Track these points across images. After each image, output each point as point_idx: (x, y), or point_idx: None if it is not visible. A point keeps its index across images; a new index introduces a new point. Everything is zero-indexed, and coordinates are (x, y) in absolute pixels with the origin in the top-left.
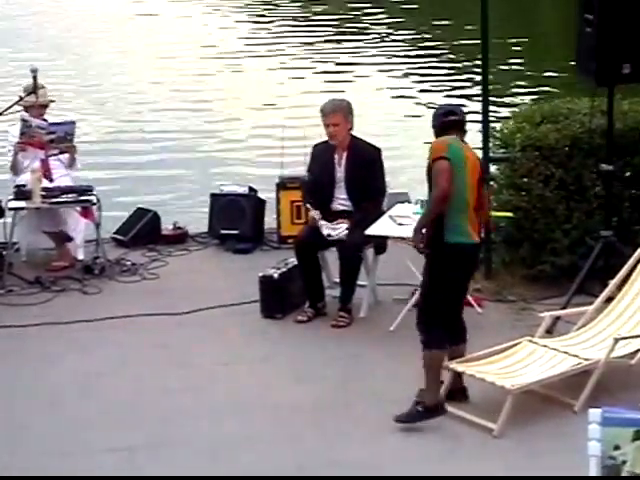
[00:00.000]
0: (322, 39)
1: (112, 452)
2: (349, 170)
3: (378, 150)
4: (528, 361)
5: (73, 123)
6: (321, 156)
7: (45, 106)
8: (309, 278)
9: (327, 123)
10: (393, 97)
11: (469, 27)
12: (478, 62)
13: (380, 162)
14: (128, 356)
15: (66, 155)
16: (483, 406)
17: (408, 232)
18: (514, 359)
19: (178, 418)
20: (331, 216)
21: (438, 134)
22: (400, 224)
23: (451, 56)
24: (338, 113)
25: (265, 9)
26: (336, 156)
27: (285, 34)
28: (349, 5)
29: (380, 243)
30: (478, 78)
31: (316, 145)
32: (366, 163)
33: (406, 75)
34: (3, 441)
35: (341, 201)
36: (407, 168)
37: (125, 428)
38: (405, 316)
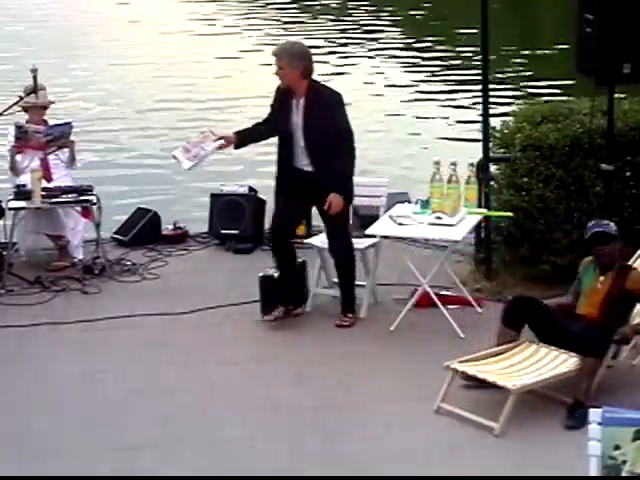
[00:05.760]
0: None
1: (113, 452)
2: (306, 115)
3: (338, 94)
4: (530, 361)
5: (69, 124)
6: (282, 99)
7: (45, 107)
8: (283, 272)
9: (276, 65)
10: (387, 86)
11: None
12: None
13: (341, 106)
14: (128, 356)
15: (65, 151)
16: (484, 405)
17: (408, 232)
18: (515, 359)
19: (178, 418)
20: (293, 175)
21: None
22: (400, 224)
23: (451, 55)
24: (282, 56)
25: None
26: (294, 101)
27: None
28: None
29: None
30: (478, 78)
31: (278, 87)
32: (324, 107)
33: (402, 69)
34: (3, 441)
35: (304, 161)
36: (407, 168)
37: (125, 428)
38: (405, 316)
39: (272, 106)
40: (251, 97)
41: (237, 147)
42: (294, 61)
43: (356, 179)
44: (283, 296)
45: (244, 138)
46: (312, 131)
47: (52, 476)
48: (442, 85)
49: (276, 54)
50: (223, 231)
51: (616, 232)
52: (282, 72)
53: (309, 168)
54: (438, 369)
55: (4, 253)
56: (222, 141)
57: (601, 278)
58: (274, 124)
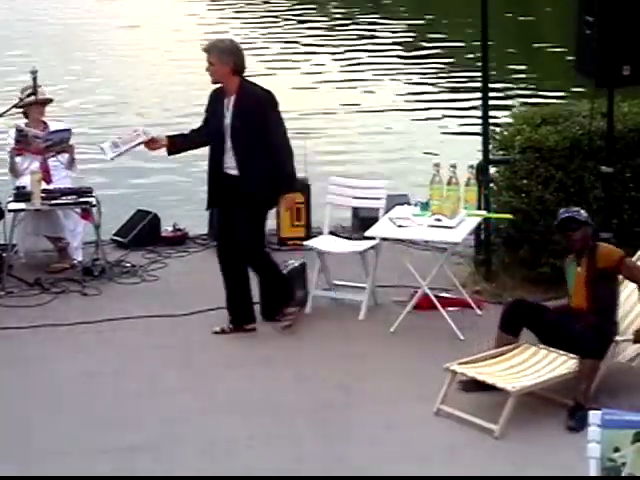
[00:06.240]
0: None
1: (113, 452)
2: (235, 113)
3: (269, 93)
4: (529, 363)
5: (69, 130)
6: (214, 102)
7: (44, 104)
8: (230, 287)
9: (207, 61)
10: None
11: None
12: (478, 63)
13: (272, 105)
14: (128, 357)
15: (65, 155)
16: (483, 407)
17: (407, 234)
18: (515, 361)
19: (178, 418)
20: (222, 183)
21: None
22: (400, 226)
23: (451, 59)
24: (212, 52)
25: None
26: (225, 101)
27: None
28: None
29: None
30: (478, 80)
31: (214, 90)
32: (254, 106)
33: (401, 75)
34: (4, 442)
35: (232, 164)
36: (407, 171)
37: (125, 428)
38: (405, 318)
39: (206, 111)
40: None
41: (170, 153)
42: (224, 57)
43: (355, 182)
44: (233, 312)
45: (178, 143)
46: (239, 130)
47: (52, 476)
48: (441, 87)
49: (206, 50)
50: None
51: (586, 219)
52: (212, 68)
53: (235, 172)
54: (438, 371)
55: (4, 255)
56: (146, 137)
57: (578, 268)
58: (207, 127)
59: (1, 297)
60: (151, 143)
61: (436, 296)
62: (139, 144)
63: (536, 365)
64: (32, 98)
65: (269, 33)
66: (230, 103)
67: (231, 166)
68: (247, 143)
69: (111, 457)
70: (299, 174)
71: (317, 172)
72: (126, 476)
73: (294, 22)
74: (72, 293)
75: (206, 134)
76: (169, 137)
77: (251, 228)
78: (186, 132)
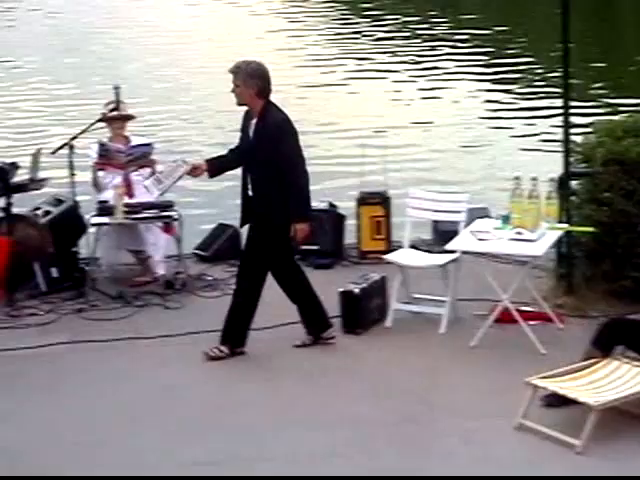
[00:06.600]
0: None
1: (192, 466)
2: (253, 138)
3: (285, 121)
4: (611, 378)
5: (150, 145)
6: (245, 121)
7: (126, 119)
8: (295, 301)
9: (233, 83)
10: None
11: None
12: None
13: (287, 135)
14: (208, 371)
15: (147, 169)
16: (565, 422)
17: (488, 247)
18: (597, 376)
19: (258, 432)
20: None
21: None
22: (480, 239)
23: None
24: (237, 74)
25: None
26: (252, 122)
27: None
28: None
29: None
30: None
31: (246, 109)
32: (270, 135)
33: (478, 84)
34: (83, 455)
35: (249, 183)
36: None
37: (205, 442)
38: (486, 332)
39: (241, 131)
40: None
41: (212, 176)
42: (249, 80)
43: (436, 195)
44: (306, 324)
45: (217, 166)
46: (255, 152)
47: (54, 476)
48: (522, 98)
49: (232, 72)
50: (303, 246)
51: None
52: (238, 90)
53: (251, 192)
54: (519, 385)
55: (87, 268)
56: (187, 166)
57: None
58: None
59: (85, 310)
60: (193, 170)
61: (517, 310)
62: (182, 175)
63: (619, 380)
64: (114, 113)
65: (345, 49)
66: (253, 124)
67: (249, 186)
68: (262, 165)
69: (192, 471)
70: (379, 187)
71: (398, 185)
72: (126, 476)
73: (371, 38)
74: (154, 306)
75: (239, 153)
76: (208, 161)
77: (256, 249)
78: (224, 152)
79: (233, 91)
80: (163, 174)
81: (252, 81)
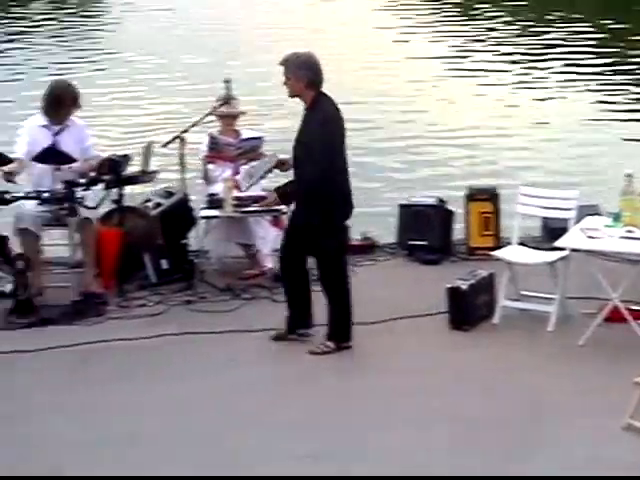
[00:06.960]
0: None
1: (293, 459)
2: (302, 129)
3: (330, 111)
4: None
5: (261, 139)
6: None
7: (235, 117)
8: (292, 293)
9: (284, 75)
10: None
11: None
12: None
13: (326, 124)
14: (314, 364)
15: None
16: None
17: (598, 245)
18: None
19: (361, 429)
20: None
21: None
22: (590, 237)
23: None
24: (287, 66)
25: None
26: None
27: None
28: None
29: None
30: None
31: None
32: (318, 123)
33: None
34: (195, 447)
35: None
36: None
37: (310, 436)
38: (594, 330)
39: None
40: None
41: None
42: (299, 71)
43: (546, 191)
44: (292, 321)
45: None
46: (299, 143)
47: (57, 476)
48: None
49: (282, 64)
50: (411, 242)
51: None
52: (288, 82)
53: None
54: (628, 385)
55: (196, 261)
56: (275, 160)
57: None
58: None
59: (193, 302)
60: (281, 165)
61: (627, 309)
62: (270, 170)
63: None
64: (224, 107)
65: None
66: (304, 116)
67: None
68: (302, 157)
69: (293, 465)
70: (487, 183)
71: (508, 181)
72: (126, 476)
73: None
74: (262, 299)
75: None
76: None
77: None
78: None
79: (285, 83)
80: (254, 168)
81: (302, 72)
